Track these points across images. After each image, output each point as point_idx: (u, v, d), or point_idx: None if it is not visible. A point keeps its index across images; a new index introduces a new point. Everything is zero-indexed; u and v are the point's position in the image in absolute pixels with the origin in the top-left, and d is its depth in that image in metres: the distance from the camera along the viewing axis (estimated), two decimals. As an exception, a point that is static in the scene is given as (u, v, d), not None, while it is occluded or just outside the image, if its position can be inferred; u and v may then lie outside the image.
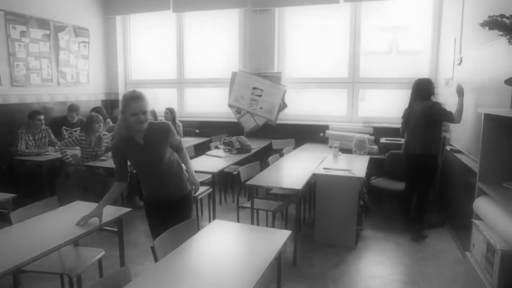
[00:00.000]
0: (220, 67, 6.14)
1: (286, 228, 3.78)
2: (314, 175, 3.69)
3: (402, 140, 4.28)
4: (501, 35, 2.22)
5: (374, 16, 5.43)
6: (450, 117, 3.57)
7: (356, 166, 3.91)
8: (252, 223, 3.44)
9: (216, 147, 5.02)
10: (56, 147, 4.72)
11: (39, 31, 5.26)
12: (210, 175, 3.94)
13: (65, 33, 5.69)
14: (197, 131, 6.14)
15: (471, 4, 3.63)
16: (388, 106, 5.38)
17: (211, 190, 4.04)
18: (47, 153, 4.65)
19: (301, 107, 5.95)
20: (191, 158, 4.60)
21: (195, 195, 2.35)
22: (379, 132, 5.15)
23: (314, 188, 3.81)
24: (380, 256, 3.47)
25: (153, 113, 5.49)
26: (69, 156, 4.41)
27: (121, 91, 6.75)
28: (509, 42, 2.19)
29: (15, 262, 1.81)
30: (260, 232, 2.37)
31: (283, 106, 5.65)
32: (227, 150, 4.74)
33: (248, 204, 3.48)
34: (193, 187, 2.55)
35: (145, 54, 6.78)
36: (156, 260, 1.88)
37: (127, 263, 3.26)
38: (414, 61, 5.38)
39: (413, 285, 2.96)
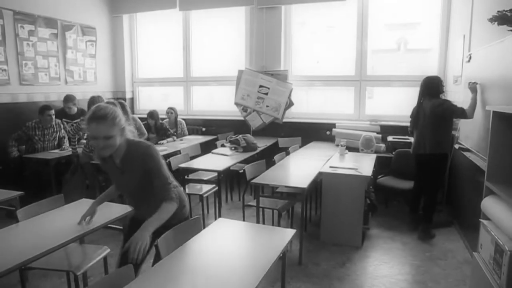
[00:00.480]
0: (226, 65, 6.13)
1: (291, 227, 3.78)
2: (320, 173, 3.67)
3: (410, 139, 4.23)
4: (511, 30, 2.17)
5: (381, 13, 5.38)
6: (462, 113, 3.47)
7: (363, 165, 3.88)
8: (258, 221, 3.43)
9: (222, 145, 5.02)
10: (64, 146, 4.76)
11: (46, 30, 5.30)
12: (216, 173, 3.94)
13: (73, 32, 5.73)
14: (203, 129, 6.14)
15: None
16: (396, 104, 5.33)
17: (217, 188, 4.04)
18: (54, 151, 4.67)
19: (307, 105, 5.93)
20: (197, 156, 4.64)
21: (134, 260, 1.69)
22: (386, 130, 5.10)
23: (321, 186, 3.79)
24: (386, 255, 3.44)
25: (155, 115, 5.47)
26: (75, 147, 4.48)
27: (128, 90, 6.79)
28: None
29: (21, 259, 1.82)
30: (264, 230, 2.36)
31: (289, 104, 5.63)
32: (233, 148, 4.74)
33: (253, 203, 3.47)
34: (135, 246, 1.74)
35: (151, 52, 6.80)
36: (160, 258, 1.88)
37: (133, 260, 3.27)
38: (423, 59, 5.32)
39: (420, 285, 2.93)
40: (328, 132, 5.41)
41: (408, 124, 4.10)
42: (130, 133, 2.02)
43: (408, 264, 3.26)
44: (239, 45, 6.04)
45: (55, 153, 4.57)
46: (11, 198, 2.81)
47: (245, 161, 4.41)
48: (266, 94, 5.66)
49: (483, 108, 3.23)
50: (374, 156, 4.39)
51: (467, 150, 3.60)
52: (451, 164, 4.36)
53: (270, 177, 3.54)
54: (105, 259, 2.58)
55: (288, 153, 4.64)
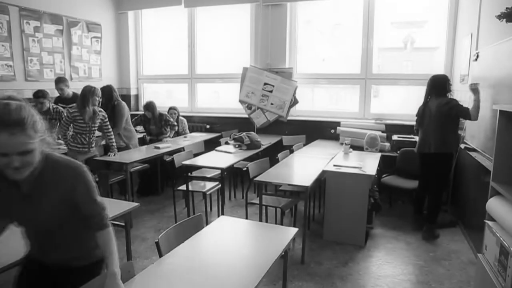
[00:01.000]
0: (231, 63, 6.12)
1: (294, 225, 3.76)
2: (324, 172, 3.65)
3: (415, 138, 4.19)
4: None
5: (388, 11, 5.33)
6: (466, 113, 3.43)
7: (367, 164, 3.85)
8: (261, 219, 3.42)
9: (226, 143, 5.01)
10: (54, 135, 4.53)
11: (52, 27, 5.32)
12: (219, 171, 3.93)
13: (78, 28, 5.74)
14: (207, 126, 6.14)
15: (489, -3, 3.52)
16: (402, 103, 5.29)
17: (220, 185, 4.03)
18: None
19: (312, 103, 5.90)
20: (201, 153, 4.64)
21: None
22: (391, 129, 5.06)
23: (324, 185, 3.77)
24: (390, 255, 3.41)
25: (151, 106, 5.19)
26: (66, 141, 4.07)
27: (133, 86, 6.80)
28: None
29: (20, 255, 1.82)
30: (266, 229, 2.35)
31: (294, 102, 5.60)
32: (237, 146, 4.73)
33: (257, 201, 3.46)
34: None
35: (156, 49, 6.81)
36: (160, 255, 1.87)
37: (136, 257, 3.29)
38: (429, 58, 5.27)
39: (423, 285, 2.90)
40: (332, 131, 5.38)
41: (414, 123, 4.05)
42: (46, 144, 1.42)
43: (411, 264, 3.24)
44: (244, 43, 6.03)
45: (60, 150, 4.58)
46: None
47: (249, 159, 4.40)
48: (271, 91, 5.64)
49: (489, 107, 3.18)
50: (378, 155, 4.35)
51: (473, 150, 3.56)
52: (457, 164, 4.31)
53: (273, 175, 3.53)
54: (107, 255, 2.58)
55: (292, 151, 4.62)
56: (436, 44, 5.21)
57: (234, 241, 2.09)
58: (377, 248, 3.54)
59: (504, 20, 2.14)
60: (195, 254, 1.91)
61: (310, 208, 4.05)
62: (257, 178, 3.37)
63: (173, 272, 1.70)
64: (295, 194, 3.93)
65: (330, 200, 3.65)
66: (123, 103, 4.68)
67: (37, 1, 5.08)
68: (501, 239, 1.92)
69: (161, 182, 5.22)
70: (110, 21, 6.44)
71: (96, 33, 6.12)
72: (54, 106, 4.59)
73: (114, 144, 4.28)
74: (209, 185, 4.16)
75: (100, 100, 4.06)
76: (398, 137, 4.81)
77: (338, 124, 5.33)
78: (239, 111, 5.91)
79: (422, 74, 4.76)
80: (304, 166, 3.95)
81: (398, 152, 4.64)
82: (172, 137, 5.43)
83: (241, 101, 5.80)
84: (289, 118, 5.64)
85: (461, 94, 4.31)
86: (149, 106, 5.22)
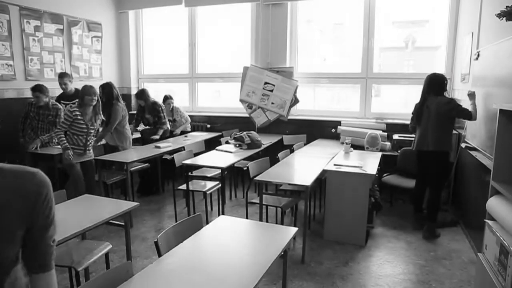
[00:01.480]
0: (231, 62, 6.11)
1: (295, 225, 3.76)
2: (324, 171, 3.64)
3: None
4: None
5: (389, 10, 5.32)
6: (467, 114, 3.50)
7: (368, 163, 3.84)
8: (261, 219, 3.42)
9: (227, 142, 5.00)
10: (53, 133, 4.27)
11: (52, 26, 5.32)
12: (220, 170, 3.93)
13: (78, 27, 5.74)
14: (208, 126, 6.14)
15: (490, -4, 3.51)
16: (403, 103, 5.28)
17: (220, 185, 4.03)
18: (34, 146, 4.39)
19: (313, 102, 5.90)
20: (201, 153, 4.63)
21: None
22: (392, 128, 5.05)
23: (325, 184, 3.76)
24: (390, 254, 3.40)
25: (144, 94, 5.08)
26: (64, 140, 3.81)
27: (134, 86, 6.80)
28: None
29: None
30: (266, 228, 2.34)
31: (294, 101, 5.59)
32: (237, 145, 4.72)
33: (257, 200, 3.45)
34: None
35: (157, 48, 6.81)
36: (159, 255, 1.87)
37: (136, 257, 3.29)
38: (430, 57, 5.26)
39: (424, 285, 2.90)
40: (333, 130, 5.37)
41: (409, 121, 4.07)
42: None
43: (412, 264, 3.23)
44: (244, 42, 6.02)
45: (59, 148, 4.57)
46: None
47: (249, 158, 4.39)
48: (271, 91, 5.63)
49: (490, 106, 3.17)
50: (379, 154, 4.35)
51: (474, 149, 3.55)
52: (457, 163, 4.31)
53: (273, 174, 3.52)
54: (106, 255, 2.59)
55: (292, 151, 4.62)
56: (437, 43, 5.20)
57: (234, 241, 2.09)
58: (378, 248, 3.53)
59: (504, 18, 2.13)
60: (195, 254, 1.91)
61: (311, 207, 4.04)
62: (257, 178, 3.37)
63: (172, 272, 1.70)
64: (296, 193, 3.93)
65: (331, 200, 3.64)
66: (121, 104, 4.57)
67: (37, 0, 5.08)
68: (501, 238, 1.91)
69: (162, 182, 5.22)
70: (111, 21, 6.44)
71: (97, 33, 6.12)
72: (53, 103, 4.55)
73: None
74: (209, 184, 4.16)
75: (96, 98, 3.84)
76: (399, 136, 4.80)
77: (338, 123, 5.32)
78: (240, 110, 5.90)
79: (423, 74, 4.71)
80: (304, 165, 3.94)
81: (399, 151, 4.64)
82: (166, 135, 5.30)
83: (241, 101, 5.80)
84: (289, 117, 5.64)
85: (461, 93, 4.30)
86: (141, 94, 5.13)
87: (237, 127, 5.80)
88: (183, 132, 5.75)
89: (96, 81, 6.13)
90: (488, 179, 2.31)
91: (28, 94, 5.02)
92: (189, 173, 4.14)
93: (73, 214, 2.40)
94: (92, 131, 3.98)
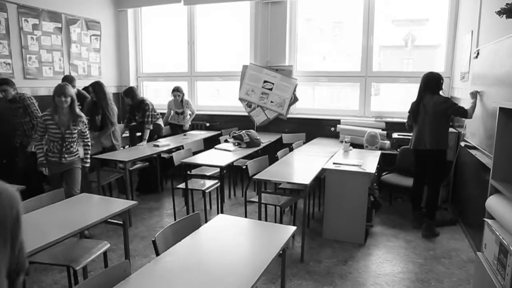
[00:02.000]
0: (231, 60, 6.10)
1: (294, 223, 3.76)
2: (323, 170, 3.63)
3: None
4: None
5: (389, 9, 5.31)
6: (463, 112, 3.56)
7: (367, 161, 3.84)
8: (260, 217, 3.41)
9: (226, 141, 4.99)
10: (31, 140, 4.12)
11: (51, 24, 5.30)
12: (219, 169, 3.92)
13: (77, 26, 5.72)
14: (207, 124, 6.13)
15: (490, -6, 3.50)
16: (402, 101, 5.26)
17: (219, 184, 4.02)
18: None
19: (312, 101, 5.89)
20: (200, 152, 4.62)
21: None
22: (391, 127, 5.04)
23: (324, 183, 3.75)
24: (389, 253, 3.40)
25: (130, 92, 5.00)
26: (41, 154, 3.42)
27: (133, 84, 6.78)
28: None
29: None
30: (264, 227, 2.34)
31: (294, 100, 5.58)
32: (236, 144, 4.71)
33: (256, 199, 3.44)
34: None
35: (156, 47, 6.79)
36: (157, 254, 1.86)
37: (135, 255, 3.28)
38: (430, 55, 5.25)
39: (423, 283, 2.89)
40: (332, 129, 5.36)
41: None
42: None
43: (411, 262, 3.22)
44: (243, 40, 6.00)
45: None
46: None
47: (249, 157, 4.38)
48: (271, 89, 5.62)
49: (490, 105, 3.16)
50: (378, 153, 4.34)
51: (473, 147, 3.54)
52: (457, 162, 4.30)
53: (272, 173, 3.51)
54: (105, 254, 2.58)
55: (291, 149, 4.61)
56: (436, 42, 5.19)
57: (232, 240, 2.08)
58: (377, 246, 3.53)
59: (504, 16, 2.12)
60: (193, 253, 1.90)
61: (310, 206, 4.04)
62: (256, 176, 3.36)
63: (169, 271, 1.69)
64: (295, 192, 3.92)
65: (330, 198, 3.64)
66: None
67: (35, -2, 5.06)
68: (501, 237, 1.91)
69: (161, 180, 5.21)
70: (110, 19, 6.42)
71: (95, 31, 6.09)
72: (19, 94, 4.27)
73: (89, 156, 3.71)
74: (208, 183, 4.15)
75: (68, 99, 3.34)
76: (398, 135, 4.79)
77: (338, 122, 5.31)
78: (239, 109, 5.89)
79: (423, 72, 4.70)
80: (303, 164, 3.93)
81: (398, 150, 4.63)
82: (158, 135, 5.19)
83: (240, 99, 5.78)
84: (289, 116, 5.63)
85: (461, 92, 4.30)
86: (127, 92, 5.06)
87: (236, 126, 5.79)
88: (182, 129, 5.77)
89: (95, 79, 6.09)
90: (488, 177, 2.30)
91: (27, 92, 5.02)
92: (188, 172, 4.12)
93: (71, 213, 2.39)
94: (69, 135, 3.43)
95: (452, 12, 4.87)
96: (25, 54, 4.98)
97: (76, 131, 3.46)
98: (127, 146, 5.11)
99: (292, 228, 2.17)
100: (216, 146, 4.70)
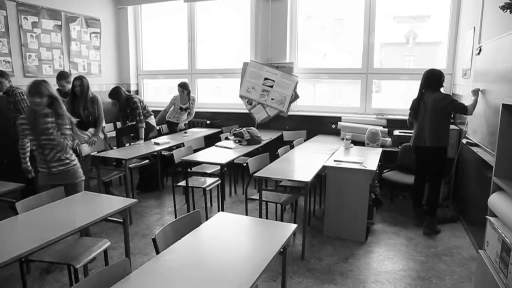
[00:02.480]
0: (231, 58, 6.08)
1: (295, 221, 3.75)
2: (324, 167, 3.62)
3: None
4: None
5: (390, 6, 5.27)
6: (463, 108, 3.55)
7: (368, 159, 3.82)
8: (260, 215, 3.40)
9: (226, 138, 4.98)
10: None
11: (50, 22, 5.28)
12: (219, 166, 3.91)
13: (77, 23, 5.70)
14: (208, 122, 6.11)
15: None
16: (403, 98, 5.24)
17: (220, 181, 4.01)
18: None
19: (313, 98, 5.87)
20: (200, 149, 4.61)
21: None
22: (392, 124, 5.02)
23: (325, 180, 3.74)
24: (390, 251, 3.39)
25: (117, 93, 4.78)
26: (25, 160, 3.02)
27: (133, 82, 6.77)
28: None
29: (19, 252, 1.81)
30: (265, 225, 2.33)
31: (294, 97, 5.56)
32: (237, 141, 4.70)
33: (257, 196, 3.43)
34: None
35: (156, 44, 6.77)
36: (157, 252, 1.85)
37: (135, 253, 3.28)
38: (432, 52, 5.22)
39: (424, 281, 2.88)
40: (333, 126, 5.34)
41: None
42: None
43: (412, 260, 3.21)
44: (244, 37, 5.98)
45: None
46: (11, 190, 2.80)
47: (249, 154, 4.37)
48: (271, 86, 5.60)
49: (492, 101, 3.14)
50: (379, 150, 4.32)
51: (475, 144, 3.52)
52: (458, 159, 4.28)
53: (273, 170, 3.50)
54: (105, 252, 2.57)
55: (292, 147, 4.59)
56: (438, 38, 5.16)
57: (232, 237, 2.07)
58: (378, 244, 3.52)
59: (508, 11, 2.09)
60: (193, 251, 1.89)
61: (311, 203, 4.03)
62: (257, 174, 3.35)
63: (169, 268, 1.68)
64: (296, 189, 3.91)
65: (331, 196, 3.63)
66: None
67: (35, -4, 5.04)
68: (503, 235, 1.89)
69: (161, 178, 5.20)
70: (109, 16, 6.40)
71: (95, 29, 6.08)
72: (12, 87, 4.21)
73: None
74: (209, 180, 4.14)
75: (43, 99, 2.78)
76: (400, 132, 4.78)
77: (339, 119, 5.30)
78: (240, 106, 5.87)
79: (424, 69, 4.70)
80: (304, 161, 3.92)
81: (400, 147, 4.61)
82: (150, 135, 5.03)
83: (241, 96, 5.76)
84: (289, 113, 5.61)
85: (463, 89, 4.27)
86: (112, 94, 4.83)
87: (237, 123, 5.77)
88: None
89: (95, 77, 6.12)
90: (490, 175, 2.29)
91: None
92: (189, 170, 4.11)
93: (72, 211, 2.39)
94: (47, 142, 2.80)
95: (454, 8, 4.84)
96: (25, 52, 4.96)
97: (53, 136, 2.79)
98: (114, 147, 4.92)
99: (293, 226, 2.16)
100: (217, 144, 4.69)
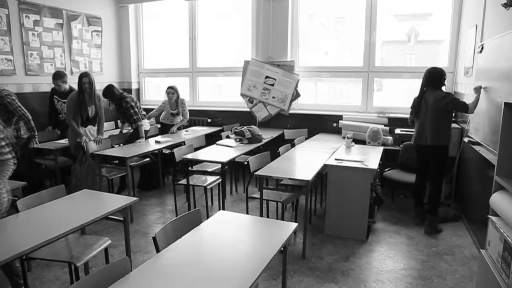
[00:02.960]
0: (232, 56, 6.07)
1: (296, 220, 3.75)
2: (325, 166, 3.61)
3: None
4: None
5: (391, 3, 5.25)
6: (464, 106, 3.52)
7: (369, 157, 3.81)
8: (261, 214, 3.40)
9: (227, 137, 4.98)
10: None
11: (52, 20, 5.28)
12: (220, 165, 3.91)
13: (78, 22, 5.70)
14: (209, 120, 6.11)
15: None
16: (405, 97, 5.23)
17: (221, 180, 4.01)
18: (58, 142, 4.49)
19: (314, 96, 5.86)
20: (201, 147, 4.61)
21: None
22: (394, 122, 5.01)
23: (326, 179, 3.73)
24: (392, 250, 3.38)
25: (109, 92, 4.67)
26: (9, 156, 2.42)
27: (134, 80, 6.77)
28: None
29: (20, 249, 1.81)
30: (266, 223, 2.32)
31: (296, 95, 5.55)
32: (238, 139, 4.69)
33: (258, 195, 3.43)
34: None
35: (157, 43, 6.77)
36: (157, 250, 1.85)
37: (136, 251, 3.28)
38: (433, 50, 5.20)
39: (425, 280, 2.87)
40: (334, 124, 5.33)
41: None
42: None
43: (413, 259, 3.21)
44: (245, 35, 5.97)
45: (59, 144, 4.55)
46: (13, 188, 2.80)
47: (250, 153, 4.37)
48: (272, 85, 5.59)
49: (494, 100, 3.13)
50: (381, 148, 4.31)
51: (477, 143, 3.51)
52: (460, 158, 4.27)
53: (274, 169, 3.49)
54: (106, 250, 2.57)
55: (293, 145, 4.59)
56: (440, 37, 5.15)
57: (233, 236, 2.06)
58: (379, 243, 3.51)
59: (510, 8, 2.08)
60: (193, 249, 1.89)
61: (312, 202, 4.02)
62: (258, 172, 3.34)
63: (170, 267, 1.68)
64: (297, 188, 3.90)
65: (332, 195, 3.62)
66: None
67: (36, -6, 5.04)
68: (505, 235, 1.88)
69: (162, 177, 5.20)
70: (111, 15, 6.39)
71: (97, 27, 6.07)
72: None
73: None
74: (210, 179, 4.14)
75: None
76: (401, 130, 4.76)
77: (340, 117, 5.29)
78: (241, 104, 5.87)
79: (426, 67, 4.68)
80: (305, 160, 3.91)
81: (401, 146, 4.60)
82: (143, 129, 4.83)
83: (242, 95, 5.76)
84: (290, 111, 5.60)
85: (464, 87, 4.25)
86: (106, 93, 4.69)
87: (238, 122, 5.77)
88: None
89: (97, 75, 6.09)
90: (492, 174, 2.28)
91: (28, 89, 5.04)
92: (190, 168, 4.11)
93: (72, 209, 2.39)
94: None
95: (456, 6, 4.82)
96: (27, 50, 4.97)
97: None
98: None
99: (294, 225, 2.15)
100: (218, 142, 4.69)
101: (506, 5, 2.09)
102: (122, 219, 2.55)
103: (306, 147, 4.54)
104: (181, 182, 4.06)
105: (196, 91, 6.49)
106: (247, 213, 3.83)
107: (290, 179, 3.55)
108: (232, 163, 4.52)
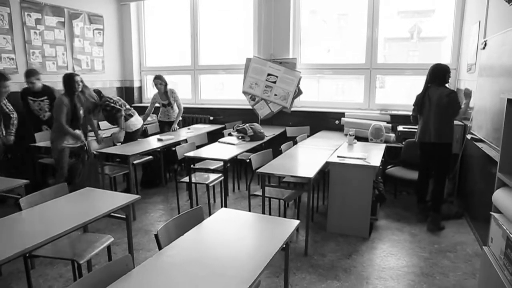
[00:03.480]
0: (234, 53, 6.06)
1: (298, 217, 3.75)
2: (327, 163, 3.61)
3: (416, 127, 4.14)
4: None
5: (394, 0, 5.23)
6: (456, 110, 3.64)
7: (372, 155, 3.80)
8: (264, 211, 3.40)
9: (229, 134, 4.97)
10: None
11: (54, 19, 5.29)
12: (222, 162, 3.91)
13: (80, 20, 5.70)
14: (211, 118, 6.11)
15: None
16: (408, 94, 5.21)
17: (223, 177, 4.01)
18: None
19: (316, 94, 5.84)
20: (203, 145, 4.61)
21: None
22: (396, 120, 5.00)
23: (328, 176, 3.73)
24: (394, 247, 3.38)
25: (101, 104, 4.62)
26: None
27: (136, 78, 6.78)
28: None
29: (23, 247, 1.82)
30: (267, 221, 2.32)
31: (298, 93, 5.54)
32: (240, 137, 4.69)
33: (260, 192, 3.43)
34: None
35: (159, 40, 6.77)
36: (159, 248, 1.86)
37: (138, 249, 3.29)
38: (436, 47, 5.18)
39: (428, 277, 2.87)
40: (337, 122, 5.32)
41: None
42: None
43: (416, 256, 3.20)
44: (247, 33, 5.95)
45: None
46: (16, 186, 2.81)
47: (252, 150, 4.37)
48: (274, 82, 5.58)
49: (497, 96, 3.11)
50: (383, 146, 4.30)
51: (480, 140, 3.49)
52: (463, 155, 4.25)
53: (276, 166, 3.49)
54: (108, 247, 2.58)
55: (295, 143, 4.58)
56: (443, 33, 5.12)
57: (235, 234, 2.07)
58: (382, 240, 3.51)
59: (513, 5, 2.07)
60: (195, 247, 1.89)
61: (314, 199, 4.02)
62: (260, 170, 3.34)
63: (172, 264, 1.68)
64: (299, 185, 3.90)
65: (334, 192, 3.61)
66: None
67: (38, -8, 5.05)
68: (508, 231, 1.88)
69: (165, 174, 5.21)
70: (112, 13, 6.39)
71: (98, 25, 6.08)
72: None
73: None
74: (212, 177, 4.14)
75: None
76: (403, 128, 4.75)
77: (342, 115, 5.28)
78: (243, 102, 5.86)
79: (429, 64, 4.65)
80: (307, 157, 3.91)
81: (403, 143, 4.59)
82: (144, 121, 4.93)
83: (244, 92, 5.75)
84: (293, 109, 5.59)
85: (467, 84, 4.23)
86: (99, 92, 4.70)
87: (240, 119, 5.77)
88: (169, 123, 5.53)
89: (98, 74, 6.13)
90: (494, 170, 2.27)
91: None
92: (192, 166, 4.12)
93: (75, 207, 2.39)
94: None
95: (458, 3, 4.79)
96: (29, 49, 4.98)
97: None
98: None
99: (296, 222, 2.15)
100: (220, 140, 4.69)
101: (509, 1, 2.08)
102: (124, 216, 2.56)
103: (308, 144, 4.53)
104: (183, 180, 4.07)
105: (198, 89, 6.49)
106: (249, 210, 3.84)
107: (292, 176, 3.55)
108: (234, 160, 4.52)
